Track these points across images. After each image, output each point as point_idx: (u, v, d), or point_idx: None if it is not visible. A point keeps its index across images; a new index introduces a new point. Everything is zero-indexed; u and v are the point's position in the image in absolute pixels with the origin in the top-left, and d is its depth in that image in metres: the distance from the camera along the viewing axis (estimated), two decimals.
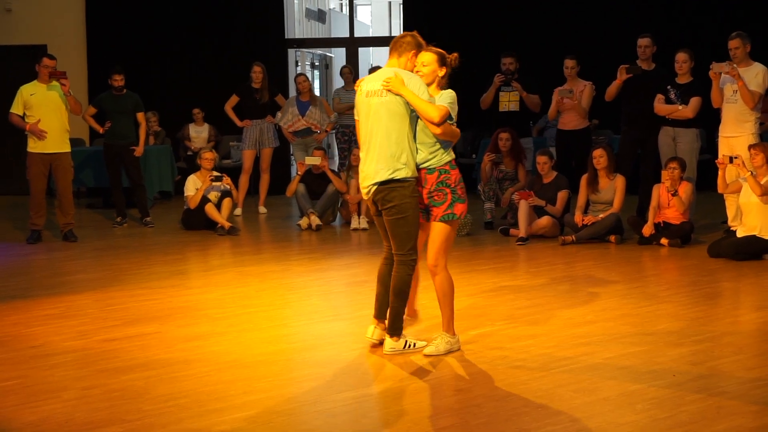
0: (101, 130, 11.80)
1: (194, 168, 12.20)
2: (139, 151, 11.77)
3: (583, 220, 9.98)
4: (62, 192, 10.64)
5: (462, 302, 7.29)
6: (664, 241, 9.61)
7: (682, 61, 10.27)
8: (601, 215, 9.94)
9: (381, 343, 6.01)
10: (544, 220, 10.19)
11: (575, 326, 6.53)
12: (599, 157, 10.01)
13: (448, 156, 5.99)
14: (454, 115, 5.96)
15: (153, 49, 15.58)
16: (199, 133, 14.96)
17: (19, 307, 7.43)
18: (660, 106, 10.32)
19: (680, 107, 10.19)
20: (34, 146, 10.48)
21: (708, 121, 10.75)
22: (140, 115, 11.82)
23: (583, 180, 10.15)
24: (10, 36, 15.83)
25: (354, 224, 11.21)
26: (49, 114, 10.45)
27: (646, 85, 10.48)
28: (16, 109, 10.48)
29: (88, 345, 6.24)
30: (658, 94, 10.35)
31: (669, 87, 10.31)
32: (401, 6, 16.84)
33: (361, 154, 6.00)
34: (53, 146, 10.50)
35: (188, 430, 4.59)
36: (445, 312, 5.97)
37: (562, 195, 10.30)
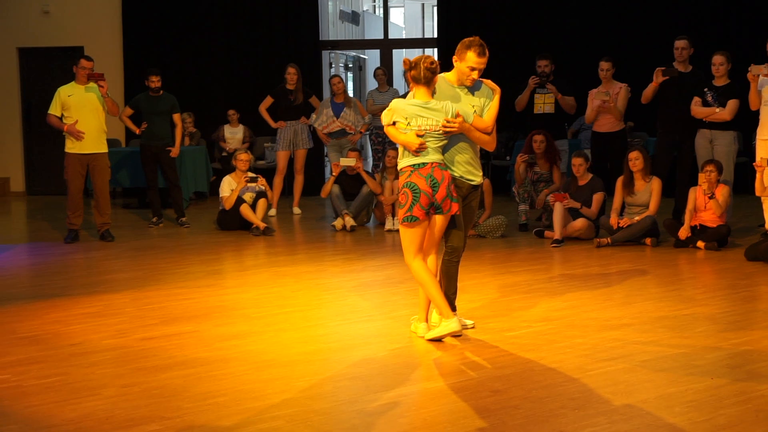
0: (138, 131, 11.90)
1: (229, 169, 12.27)
2: (175, 151, 11.85)
3: (618, 222, 9.94)
4: (99, 192, 10.73)
5: (497, 304, 7.32)
6: (700, 244, 9.56)
7: (719, 63, 10.22)
8: (637, 218, 9.91)
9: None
10: (579, 222, 10.17)
11: (611, 329, 6.51)
12: (635, 160, 9.97)
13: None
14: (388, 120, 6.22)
15: (189, 51, 15.68)
16: (234, 134, 15.04)
17: (57, 306, 7.50)
18: (697, 109, 10.27)
19: (717, 110, 10.14)
20: (71, 147, 10.58)
21: (745, 124, 10.68)
22: (176, 116, 11.90)
23: (619, 182, 10.11)
24: (48, 38, 16.00)
25: (388, 225, 11.23)
26: (86, 115, 10.54)
27: (682, 88, 10.44)
28: (54, 110, 10.58)
29: (127, 343, 6.29)
30: (695, 96, 10.30)
31: (706, 89, 10.26)
32: (435, 8, 16.83)
33: None
34: (91, 147, 10.59)
35: (226, 428, 4.62)
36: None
37: (597, 197, 10.27)
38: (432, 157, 6.13)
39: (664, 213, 10.39)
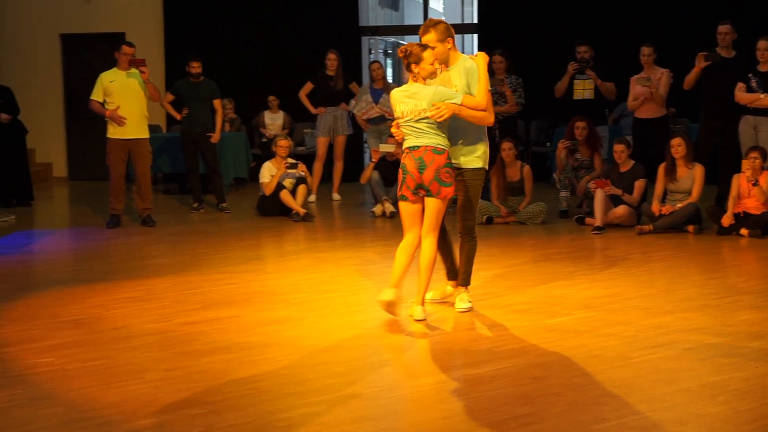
0: (179, 117, 11.96)
1: (269, 155, 12.30)
2: (215, 137, 11.90)
3: (660, 209, 9.86)
4: (141, 177, 10.80)
5: (538, 291, 7.29)
6: (744, 231, 9.46)
7: (764, 48, 10.10)
8: (679, 205, 9.82)
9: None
10: (621, 209, 10.10)
11: (653, 316, 6.46)
12: (677, 146, 9.88)
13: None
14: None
15: (229, 37, 15.73)
16: (274, 120, 15.08)
17: (100, 290, 7.56)
18: (741, 95, 10.16)
19: (762, 95, 10.03)
20: (113, 132, 10.65)
21: None
22: (217, 102, 11.94)
23: (661, 169, 10.03)
24: (89, 24, 16.11)
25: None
26: (128, 100, 10.60)
27: (726, 73, 10.32)
28: (96, 95, 10.65)
29: (169, 328, 6.34)
30: (739, 82, 10.18)
31: (750, 75, 10.15)
32: None
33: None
34: (132, 132, 10.66)
35: (268, 413, 4.63)
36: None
37: (639, 184, 10.19)
38: (426, 140, 6.31)
39: (707, 200, 10.29)
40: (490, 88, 6.52)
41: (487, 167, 6.70)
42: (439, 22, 6.54)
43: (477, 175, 6.62)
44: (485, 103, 6.41)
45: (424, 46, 6.39)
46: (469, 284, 6.82)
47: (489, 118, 6.49)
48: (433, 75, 6.43)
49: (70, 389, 5.06)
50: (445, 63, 6.54)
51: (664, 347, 5.69)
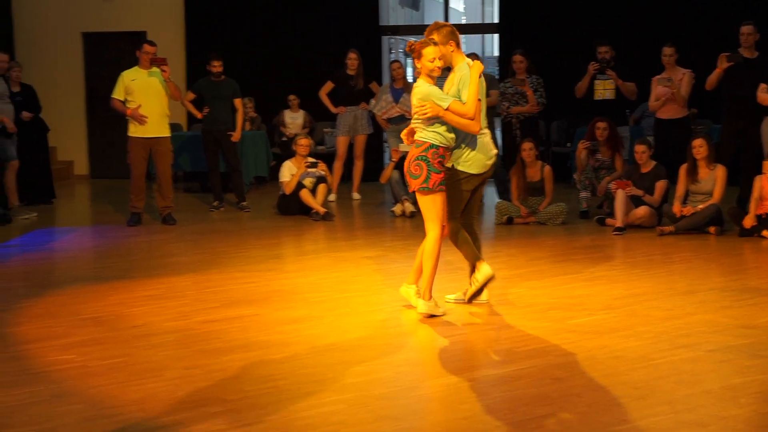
0: (200, 116, 11.99)
1: (289, 154, 12.31)
2: (236, 136, 11.92)
3: (681, 210, 9.81)
4: (162, 176, 10.83)
5: (558, 292, 7.27)
6: (765, 233, 9.40)
7: None
8: (701, 206, 9.76)
9: None
10: (642, 210, 10.05)
11: (675, 318, 6.43)
12: (699, 147, 9.82)
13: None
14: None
15: (250, 36, 15.75)
16: (294, 119, 15.09)
17: (120, 288, 7.59)
18: (763, 96, 10.09)
19: None
20: (134, 131, 10.68)
21: None
22: (237, 101, 11.97)
23: (683, 170, 9.97)
24: (111, 23, 16.17)
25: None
26: (149, 99, 10.63)
27: (748, 74, 10.26)
28: (117, 94, 10.68)
29: (189, 326, 6.35)
30: (762, 83, 10.12)
31: None
32: None
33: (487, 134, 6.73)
34: (153, 131, 10.68)
35: (287, 411, 4.63)
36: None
37: (660, 185, 10.15)
38: (419, 134, 6.50)
39: (729, 201, 10.22)
40: (480, 97, 6.48)
41: (471, 172, 6.63)
42: (445, 25, 6.64)
43: (453, 175, 6.59)
44: (473, 111, 6.41)
45: (427, 42, 6.46)
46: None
47: (474, 127, 6.46)
48: (434, 71, 6.46)
49: (91, 386, 5.07)
50: (450, 65, 6.63)
51: (686, 349, 5.66)
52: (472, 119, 6.42)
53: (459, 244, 6.77)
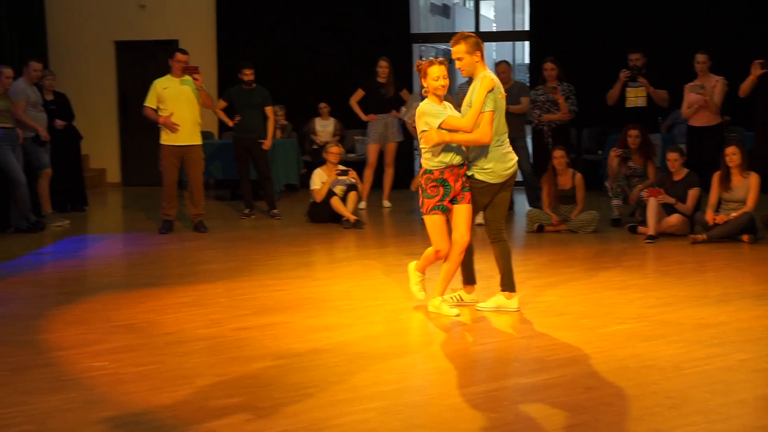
0: (231, 124, 12.04)
1: (320, 161, 12.34)
2: (267, 144, 11.96)
3: (714, 218, 9.74)
4: (193, 183, 10.88)
5: (590, 300, 7.24)
6: None
7: None
8: (734, 214, 9.69)
9: None
10: (674, 218, 10.00)
11: (707, 326, 6.38)
12: (732, 155, 9.76)
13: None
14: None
15: (281, 44, 15.80)
16: (324, 127, 15.12)
17: (152, 295, 7.63)
18: None
19: None
20: (166, 139, 10.73)
21: None
22: (269, 109, 12.01)
23: (716, 178, 9.91)
24: (143, 31, 16.27)
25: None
26: (181, 107, 10.68)
27: None
28: (150, 102, 10.74)
29: (220, 333, 6.37)
30: None
31: None
32: (527, 1, 16.68)
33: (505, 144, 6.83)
34: (185, 139, 10.73)
35: (319, 419, 4.64)
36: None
37: (693, 193, 10.08)
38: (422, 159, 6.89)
39: (762, 209, 10.14)
40: (493, 108, 6.59)
41: (489, 181, 6.76)
42: (471, 35, 6.77)
43: (474, 185, 6.79)
44: (471, 125, 6.52)
45: (433, 61, 6.70)
46: (471, 282, 7.21)
47: (484, 139, 6.59)
48: (438, 90, 6.63)
49: (123, 393, 5.11)
50: (472, 75, 6.76)
51: (719, 358, 5.62)
52: (469, 132, 6.55)
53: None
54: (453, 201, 6.73)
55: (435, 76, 6.59)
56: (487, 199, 6.83)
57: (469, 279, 7.23)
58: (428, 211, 6.72)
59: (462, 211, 6.78)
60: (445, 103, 6.78)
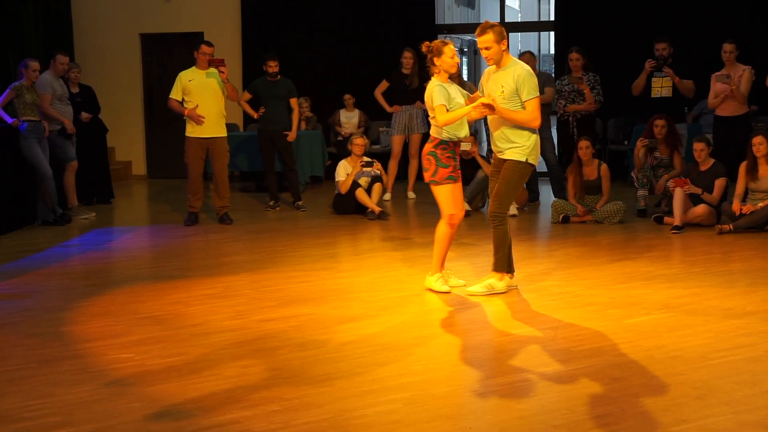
0: (255, 116, 12.05)
1: (345, 153, 12.35)
2: (291, 136, 11.97)
3: (741, 208, 9.68)
4: (218, 175, 10.91)
5: (616, 291, 7.21)
6: None
7: None
8: (761, 204, 9.63)
9: None
10: (701, 209, 9.94)
11: (734, 317, 6.35)
12: (759, 145, 9.69)
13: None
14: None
15: (306, 36, 15.81)
16: (349, 118, 15.12)
17: (178, 287, 7.66)
18: None
19: None
20: (192, 131, 10.76)
21: None
22: (293, 101, 12.01)
23: (742, 168, 9.84)
24: (169, 24, 16.33)
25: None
26: (206, 99, 10.70)
27: None
28: (175, 94, 10.78)
29: (246, 325, 6.39)
30: None
31: None
32: None
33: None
34: (210, 131, 10.76)
35: (345, 411, 4.65)
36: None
37: (719, 183, 10.02)
38: (432, 130, 7.24)
39: None
40: (534, 95, 6.87)
41: (532, 163, 7.02)
42: (496, 24, 6.89)
43: (513, 168, 6.97)
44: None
45: (445, 41, 6.99)
46: (499, 270, 7.20)
47: (532, 123, 6.84)
48: (452, 67, 6.92)
49: (149, 384, 5.13)
50: (498, 64, 6.92)
51: (746, 348, 5.59)
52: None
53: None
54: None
55: (451, 54, 6.91)
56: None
57: (507, 267, 7.27)
58: (442, 180, 7.07)
59: (458, 188, 7.19)
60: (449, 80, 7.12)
